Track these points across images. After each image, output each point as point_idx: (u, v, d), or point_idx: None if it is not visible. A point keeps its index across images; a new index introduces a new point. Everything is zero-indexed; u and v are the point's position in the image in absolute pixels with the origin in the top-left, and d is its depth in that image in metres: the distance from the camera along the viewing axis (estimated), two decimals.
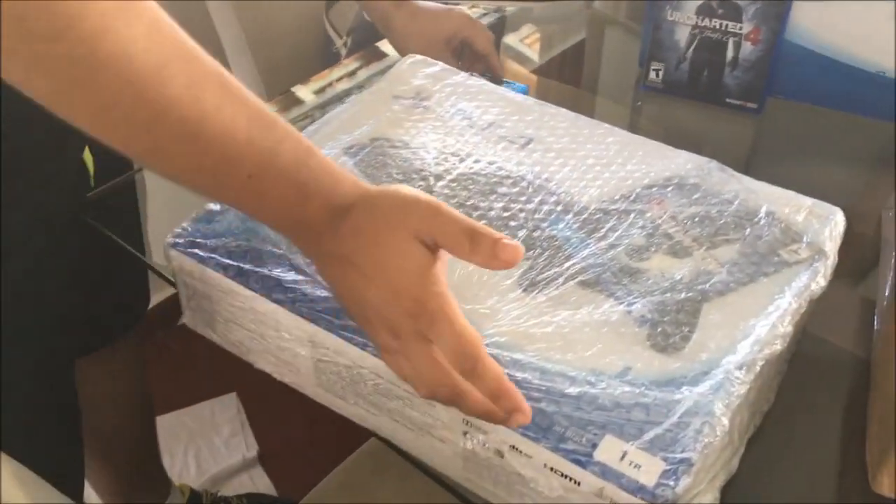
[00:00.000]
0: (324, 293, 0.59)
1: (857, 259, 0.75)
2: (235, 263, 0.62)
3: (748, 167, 0.76)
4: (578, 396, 0.53)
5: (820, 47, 0.94)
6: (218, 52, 1.31)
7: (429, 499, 0.67)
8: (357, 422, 0.62)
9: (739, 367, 0.55)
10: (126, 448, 1.17)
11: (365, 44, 1.08)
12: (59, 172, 0.81)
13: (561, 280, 0.61)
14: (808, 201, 0.67)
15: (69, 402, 0.92)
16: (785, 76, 0.95)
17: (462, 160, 0.71)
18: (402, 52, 0.94)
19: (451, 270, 0.57)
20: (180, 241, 0.65)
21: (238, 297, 0.62)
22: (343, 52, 1.28)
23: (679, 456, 0.50)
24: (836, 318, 0.72)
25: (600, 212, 0.66)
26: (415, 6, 0.96)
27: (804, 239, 0.64)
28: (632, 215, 0.66)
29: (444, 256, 0.50)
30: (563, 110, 0.77)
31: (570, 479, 0.51)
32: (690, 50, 0.96)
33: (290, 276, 0.61)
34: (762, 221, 0.65)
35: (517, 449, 0.52)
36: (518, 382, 0.53)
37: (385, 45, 1.05)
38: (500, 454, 0.53)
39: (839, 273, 0.64)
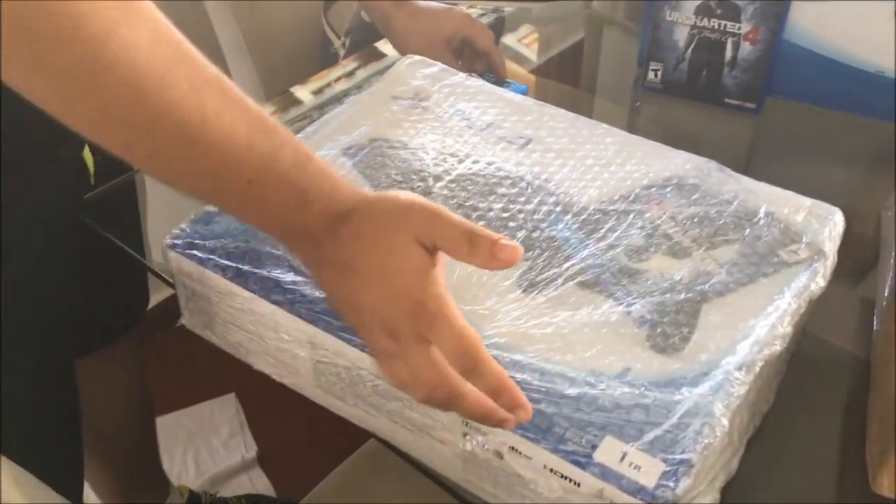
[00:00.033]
0: (323, 294, 0.59)
1: (856, 259, 0.75)
2: (234, 264, 0.62)
3: (747, 167, 0.76)
4: (578, 397, 0.53)
5: (819, 47, 0.94)
6: (216, 53, 1.31)
7: (428, 500, 0.67)
8: (356, 423, 0.62)
9: (739, 368, 0.55)
10: (126, 448, 1.17)
11: (363, 44, 1.08)
12: (58, 171, 0.81)
13: (560, 281, 0.61)
14: (807, 201, 0.67)
15: (69, 402, 0.92)
16: (784, 76, 0.95)
17: (461, 161, 0.71)
18: (403, 51, 0.94)
19: (450, 271, 0.57)
20: (179, 242, 0.65)
21: (237, 299, 0.62)
22: (341, 52, 1.28)
23: (679, 457, 0.50)
24: (836, 318, 0.72)
25: (599, 212, 0.66)
26: (415, 6, 0.96)
27: (803, 239, 0.64)
28: (631, 216, 0.66)
29: (443, 259, 0.50)
30: (562, 111, 0.77)
31: (570, 480, 0.51)
32: (689, 50, 0.96)
33: (289, 277, 0.61)
34: (761, 222, 0.65)
35: (517, 450, 0.52)
36: (518, 383, 0.53)
37: (383, 46, 1.05)
38: (499, 455, 0.53)
39: (838, 273, 0.64)
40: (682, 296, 0.60)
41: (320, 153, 0.72)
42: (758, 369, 0.55)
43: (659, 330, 0.58)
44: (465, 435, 0.54)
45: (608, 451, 0.51)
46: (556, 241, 0.64)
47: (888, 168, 0.87)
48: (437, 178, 0.69)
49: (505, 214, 0.66)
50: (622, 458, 0.50)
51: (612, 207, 0.67)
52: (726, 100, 0.97)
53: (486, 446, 0.53)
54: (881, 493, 0.57)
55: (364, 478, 0.96)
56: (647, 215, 0.66)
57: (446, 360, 0.48)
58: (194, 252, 0.64)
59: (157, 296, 1.11)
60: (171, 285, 0.68)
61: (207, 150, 0.47)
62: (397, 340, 0.49)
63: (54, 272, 0.82)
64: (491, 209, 0.66)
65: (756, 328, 0.57)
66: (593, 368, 0.55)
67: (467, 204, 0.67)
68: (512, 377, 0.53)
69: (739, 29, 0.92)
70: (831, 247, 0.64)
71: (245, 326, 0.64)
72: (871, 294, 0.72)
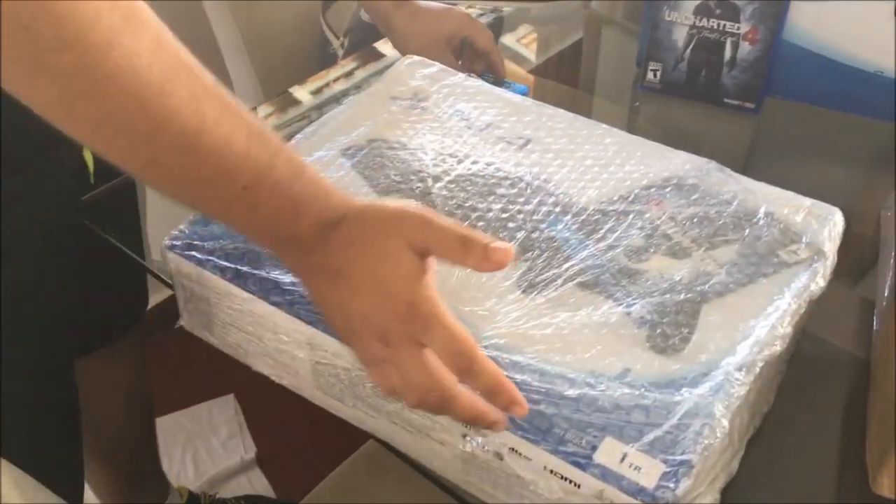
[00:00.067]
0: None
1: (856, 259, 0.75)
2: (233, 266, 0.62)
3: (746, 167, 0.76)
4: (578, 398, 0.53)
5: (818, 47, 0.94)
6: (214, 53, 1.31)
7: (428, 501, 0.67)
8: (355, 424, 0.62)
9: (739, 369, 0.55)
10: (126, 448, 1.17)
11: (362, 44, 1.08)
12: (58, 171, 0.81)
13: (560, 281, 0.61)
14: (806, 201, 0.67)
15: (69, 402, 0.92)
16: (783, 76, 0.95)
17: (460, 161, 0.71)
18: (403, 51, 0.94)
19: (449, 273, 0.57)
20: (178, 243, 0.65)
21: (236, 300, 0.62)
22: (340, 52, 1.28)
23: (679, 458, 0.50)
24: (836, 318, 0.72)
25: (599, 213, 0.66)
26: (415, 6, 0.96)
27: (803, 239, 0.64)
28: (630, 216, 0.66)
29: (434, 265, 0.50)
30: (561, 111, 0.77)
31: (570, 481, 0.50)
32: (688, 50, 0.96)
33: (288, 278, 0.61)
34: (761, 222, 0.65)
35: (516, 451, 0.52)
36: (517, 384, 0.53)
37: (382, 46, 1.04)
38: (499, 456, 0.53)
39: (838, 273, 0.64)
40: (682, 296, 0.60)
41: (319, 154, 0.72)
42: (758, 370, 0.55)
43: (659, 330, 0.57)
44: (464, 436, 0.54)
45: (608, 452, 0.50)
46: (555, 241, 0.64)
47: (888, 168, 0.87)
48: (437, 179, 0.69)
49: (504, 215, 0.66)
50: (622, 459, 0.50)
51: (611, 208, 0.67)
52: (725, 100, 0.97)
53: (486, 447, 0.53)
54: (881, 494, 0.57)
55: (363, 479, 0.96)
56: (647, 216, 0.66)
57: (441, 361, 0.49)
58: (193, 253, 0.64)
59: (157, 296, 1.11)
60: (170, 286, 0.68)
61: (206, 157, 0.47)
62: (389, 345, 0.49)
63: (54, 272, 0.82)
64: (490, 210, 0.66)
65: (756, 329, 0.57)
66: (593, 369, 0.55)
67: (466, 204, 0.67)
68: (511, 378, 0.53)
69: (738, 29, 0.92)
70: (831, 247, 0.64)
71: (244, 327, 0.64)
72: (871, 294, 0.72)
